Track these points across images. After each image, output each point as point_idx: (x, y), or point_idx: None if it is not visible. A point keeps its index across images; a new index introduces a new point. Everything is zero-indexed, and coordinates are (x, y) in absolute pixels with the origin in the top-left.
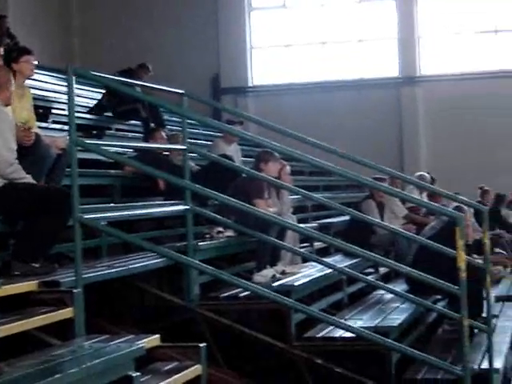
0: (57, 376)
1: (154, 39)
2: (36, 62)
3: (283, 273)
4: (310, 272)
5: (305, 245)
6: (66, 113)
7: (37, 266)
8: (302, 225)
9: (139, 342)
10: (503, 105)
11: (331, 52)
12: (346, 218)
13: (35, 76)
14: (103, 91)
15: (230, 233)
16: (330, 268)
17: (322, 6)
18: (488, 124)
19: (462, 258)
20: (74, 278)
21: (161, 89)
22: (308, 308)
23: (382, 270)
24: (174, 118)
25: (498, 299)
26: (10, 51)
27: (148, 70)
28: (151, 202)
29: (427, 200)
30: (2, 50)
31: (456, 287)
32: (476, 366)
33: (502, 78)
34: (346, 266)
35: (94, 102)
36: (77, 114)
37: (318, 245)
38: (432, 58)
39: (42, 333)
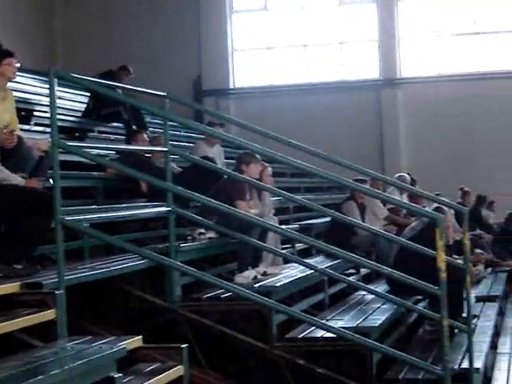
0: (39, 377)
1: (137, 42)
2: (18, 65)
3: (265, 274)
4: (292, 273)
5: (286, 246)
6: (48, 115)
7: (19, 267)
8: (283, 226)
9: (121, 343)
10: (483, 106)
11: (312, 54)
12: (328, 219)
13: (17, 78)
14: (88, 94)
15: (211, 234)
16: (312, 269)
17: (304, 8)
18: (468, 125)
19: (442, 259)
20: (56, 280)
21: (143, 91)
22: (289, 309)
23: (363, 270)
24: (156, 120)
25: (479, 299)
26: None
27: (129, 72)
28: (133, 204)
29: (407, 201)
30: None
31: (436, 288)
32: (456, 366)
33: (482, 79)
34: (327, 267)
35: (77, 104)
36: (59, 117)
37: (299, 246)
38: (412, 60)
39: (25, 334)
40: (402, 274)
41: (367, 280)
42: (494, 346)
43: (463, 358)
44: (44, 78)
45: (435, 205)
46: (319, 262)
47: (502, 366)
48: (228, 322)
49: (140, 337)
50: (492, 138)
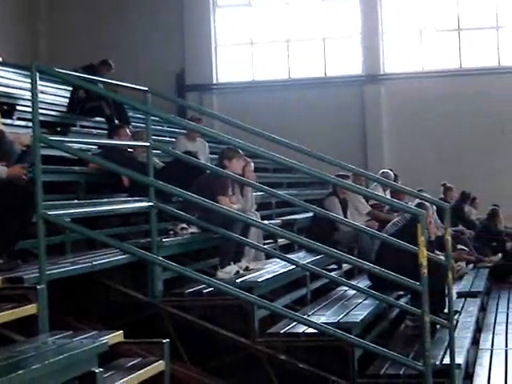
0: (20, 372)
1: (120, 36)
2: (0, 59)
3: (247, 269)
4: (274, 268)
5: (269, 241)
6: (30, 109)
7: (0, 262)
8: (265, 221)
9: (102, 338)
10: (467, 102)
11: (295, 50)
12: (310, 214)
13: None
14: (70, 88)
15: (193, 229)
16: (294, 264)
17: (287, 4)
18: (451, 121)
19: (424, 255)
20: (37, 275)
21: (125, 85)
22: (271, 304)
23: (346, 266)
24: (139, 115)
25: (460, 295)
26: None
27: (110, 67)
28: (115, 199)
29: (390, 197)
30: None
31: (417, 283)
32: (438, 362)
33: (464, 76)
34: (309, 263)
35: (59, 98)
36: (42, 111)
37: (281, 241)
38: (396, 56)
39: (6, 329)
40: (384, 270)
41: (349, 275)
42: (475, 341)
43: (445, 353)
44: (26, 73)
45: (417, 201)
46: (301, 257)
47: (483, 361)
48: (210, 317)
49: (121, 332)
50: (475, 135)
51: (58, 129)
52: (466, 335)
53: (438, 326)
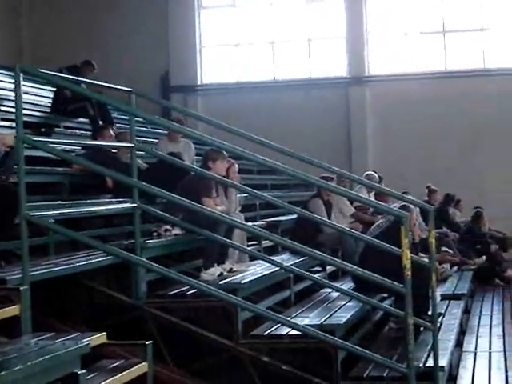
0: (2, 373)
1: (104, 37)
2: None
3: (231, 271)
4: (258, 270)
5: (253, 243)
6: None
7: None
8: (249, 223)
9: (85, 339)
10: (451, 105)
11: (280, 51)
12: (294, 216)
13: None
14: (54, 89)
15: (177, 231)
16: (277, 266)
17: (271, 5)
18: (436, 123)
19: (407, 257)
20: (20, 276)
21: (109, 86)
22: (255, 306)
23: (330, 268)
24: (123, 116)
25: (444, 297)
26: None
27: (93, 68)
28: (99, 200)
29: (374, 199)
30: None
31: (401, 285)
32: (421, 364)
33: (450, 78)
34: (293, 265)
35: (43, 99)
36: (26, 112)
37: (265, 243)
38: (380, 58)
39: None
40: (368, 272)
41: (333, 277)
42: (459, 344)
43: (428, 355)
44: (10, 73)
45: (401, 203)
46: (285, 259)
47: (467, 364)
48: (193, 319)
49: (104, 333)
50: (460, 137)
51: (42, 129)
52: (449, 337)
53: (421, 329)
